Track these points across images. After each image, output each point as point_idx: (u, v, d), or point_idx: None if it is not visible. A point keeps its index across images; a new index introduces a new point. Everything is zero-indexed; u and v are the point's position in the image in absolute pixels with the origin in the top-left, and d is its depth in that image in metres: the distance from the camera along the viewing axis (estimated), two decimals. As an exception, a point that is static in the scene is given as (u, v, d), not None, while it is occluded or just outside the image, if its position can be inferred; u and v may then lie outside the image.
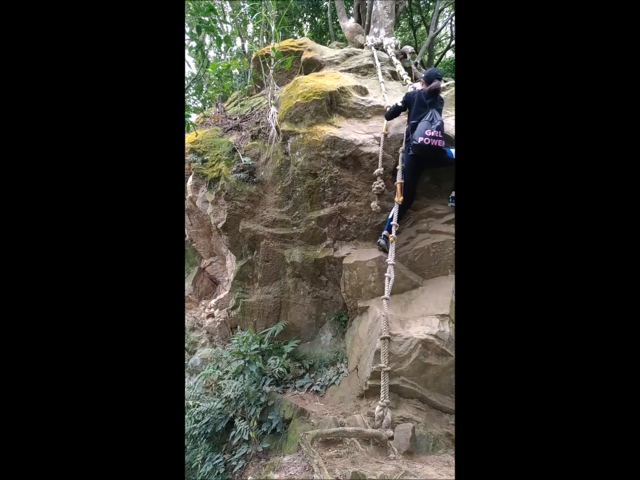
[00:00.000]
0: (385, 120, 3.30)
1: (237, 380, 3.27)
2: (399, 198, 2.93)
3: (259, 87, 4.91)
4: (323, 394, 2.91)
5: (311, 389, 2.99)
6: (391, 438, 2.12)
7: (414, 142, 2.81)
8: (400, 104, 3.11)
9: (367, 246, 3.23)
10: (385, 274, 2.70)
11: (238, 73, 5.09)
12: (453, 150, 2.90)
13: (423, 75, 3.29)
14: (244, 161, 3.68)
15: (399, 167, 3.06)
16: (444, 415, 2.37)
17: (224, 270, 4.50)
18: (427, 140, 2.73)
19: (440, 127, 2.76)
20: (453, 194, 3.06)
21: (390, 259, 2.73)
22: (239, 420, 2.98)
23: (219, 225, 3.75)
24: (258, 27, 4.83)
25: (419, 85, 3.23)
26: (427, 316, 2.52)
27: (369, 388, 2.51)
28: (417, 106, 2.95)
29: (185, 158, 4.03)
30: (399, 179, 2.99)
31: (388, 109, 3.28)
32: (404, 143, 3.12)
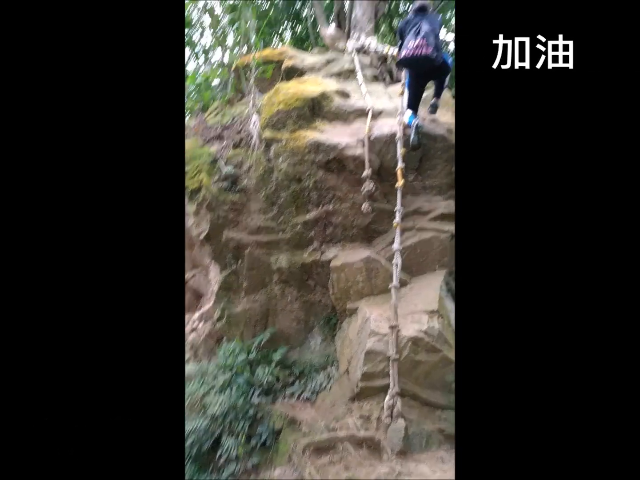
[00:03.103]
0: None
1: (224, 394, 3.15)
2: (400, 183, 2.93)
3: (240, 96, 4.92)
4: (314, 400, 2.82)
5: (302, 396, 2.90)
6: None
7: (399, 58, 2.93)
8: (399, 42, 3.16)
9: (354, 247, 3.20)
10: (393, 261, 2.66)
11: (218, 83, 5.10)
12: (451, 59, 3.05)
13: (411, 7, 3.43)
14: (226, 170, 3.65)
15: (398, 154, 3.04)
16: (436, 411, 2.32)
17: (208, 282, 4.40)
18: (409, 52, 2.79)
19: (426, 36, 2.78)
20: (433, 101, 3.21)
21: (397, 244, 2.71)
22: (227, 437, 2.85)
23: (202, 236, 3.69)
24: (238, 38, 4.87)
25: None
26: (416, 313, 2.49)
27: (361, 390, 2.44)
28: (409, 29, 2.97)
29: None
30: (400, 164, 2.99)
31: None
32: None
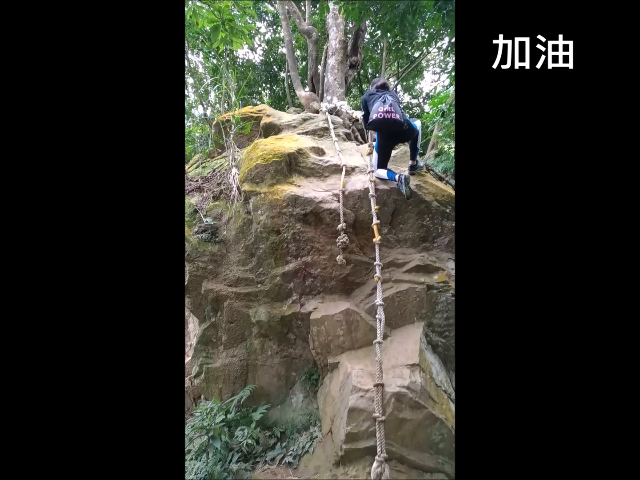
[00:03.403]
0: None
1: (200, 460, 2.95)
2: (377, 238, 3.03)
3: (219, 150, 5.09)
4: (296, 466, 2.67)
5: (283, 461, 2.74)
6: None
7: (370, 120, 3.17)
8: (363, 112, 3.59)
9: (333, 299, 3.22)
10: (377, 316, 2.63)
11: (199, 137, 5.27)
12: (417, 123, 3.33)
13: (371, 84, 3.82)
14: (206, 221, 3.69)
15: (372, 210, 3.17)
16: (425, 475, 2.23)
17: (186, 335, 4.25)
18: (380, 115, 3.08)
19: (392, 105, 3.12)
20: (411, 163, 3.55)
21: (379, 299, 2.69)
22: (203, 509, 2.64)
23: (181, 287, 3.61)
24: (219, 96, 5.12)
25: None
26: (398, 367, 2.49)
27: (345, 453, 2.35)
28: (372, 101, 3.35)
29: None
30: (375, 220, 3.10)
31: (362, 123, 3.90)
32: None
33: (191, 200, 4.13)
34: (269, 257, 3.40)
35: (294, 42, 8.20)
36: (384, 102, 3.15)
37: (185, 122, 5.87)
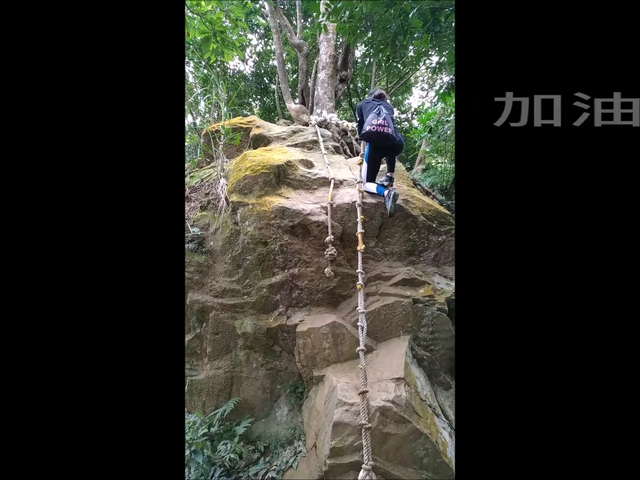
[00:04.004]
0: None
1: (182, 475, 2.89)
2: (360, 246, 3.05)
3: (208, 160, 5.09)
4: (280, 481, 2.63)
5: (267, 476, 2.70)
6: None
7: (363, 131, 3.23)
8: (358, 119, 3.66)
9: (320, 312, 3.22)
10: (358, 323, 2.65)
11: (188, 146, 5.26)
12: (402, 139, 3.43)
13: (368, 93, 3.92)
14: (193, 231, 3.67)
15: (358, 218, 3.22)
16: (408, 491, 2.23)
17: (170, 346, 4.18)
18: (373, 128, 3.13)
19: (386, 118, 3.18)
20: (390, 174, 3.61)
21: (361, 306, 2.73)
22: (184, 527, 2.57)
23: (166, 298, 3.56)
24: (209, 106, 5.14)
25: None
26: (383, 381, 2.49)
27: (329, 468, 2.32)
28: (367, 110, 3.43)
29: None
30: (360, 229, 3.14)
31: (357, 130, 3.93)
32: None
33: (178, 209, 4.10)
34: (255, 268, 3.39)
35: (284, 55, 8.33)
36: (379, 114, 3.23)
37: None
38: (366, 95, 4.10)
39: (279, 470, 2.71)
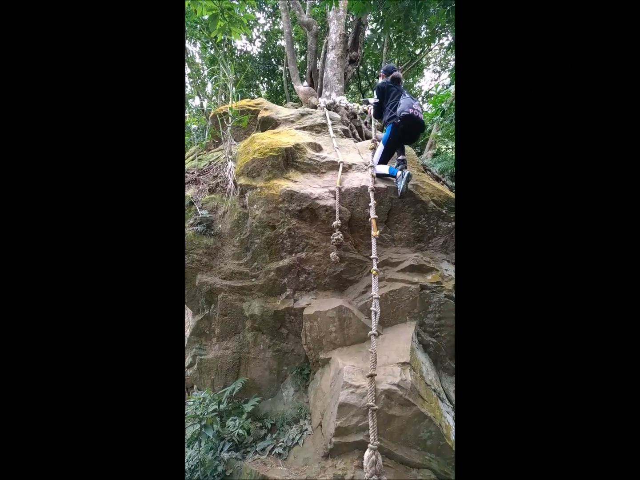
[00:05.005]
0: (374, 120, 4.18)
1: (192, 448, 3.00)
2: (374, 232, 3.04)
3: (216, 142, 5.06)
4: (286, 457, 2.72)
5: (273, 452, 2.80)
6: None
7: (403, 113, 3.20)
8: (377, 99, 3.63)
9: (327, 296, 3.25)
10: (372, 308, 2.66)
11: (196, 129, 5.22)
12: None
13: (382, 69, 3.88)
14: (201, 214, 3.68)
15: (370, 203, 3.19)
16: (412, 471, 2.30)
17: (179, 326, 4.27)
18: (415, 112, 3.18)
19: (419, 104, 3.23)
20: (402, 157, 3.60)
21: (375, 292, 2.72)
22: (194, 497, 2.69)
23: (175, 279, 3.61)
24: (217, 88, 5.07)
25: (380, 80, 3.82)
26: (389, 365, 2.53)
27: (334, 446, 2.40)
28: (390, 93, 3.45)
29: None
30: (373, 214, 3.12)
31: (371, 110, 3.93)
32: (387, 120, 3.52)
33: (187, 192, 4.11)
34: (263, 251, 3.42)
35: (293, 34, 8.12)
36: (413, 100, 3.26)
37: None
38: (381, 70, 4.00)
39: (285, 447, 2.80)
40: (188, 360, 3.67)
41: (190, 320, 3.80)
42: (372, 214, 3.14)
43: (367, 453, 2.06)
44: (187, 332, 3.78)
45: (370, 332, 2.58)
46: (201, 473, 2.76)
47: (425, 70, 12.00)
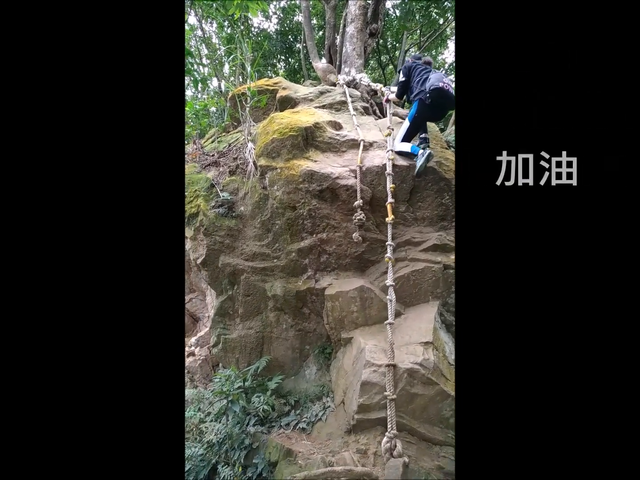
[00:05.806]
0: (394, 101, 4.09)
1: (220, 422, 3.13)
2: (390, 217, 3.00)
3: (235, 124, 5.04)
4: (310, 432, 2.81)
5: (297, 427, 2.89)
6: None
7: (433, 86, 3.09)
8: (403, 79, 3.55)
9: (348, 276, 3.25)
10: (387, 297, 2.66)
11: (215, 111, 5.21)
12: None
13: (412, 56, 3.86)
14: (223, 196, 3.71)
15: (388, 188, 3.13)
16: (434, 447, 2.32)
17: (204, 307, 4.39)
18: (446, 86, 3.07)
19: (451, 80, 3.17)
20: (425, 135, 3.46)
21: (390, 280, 2.72)
22: (222, 467, 2.82)
23: (199, 261, 3.70)
24: (234, 68, 5.01)
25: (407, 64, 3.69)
26: (411, 344, 2.53)
27: (357, 422, 2.44)
28: (418, 70, 3.39)
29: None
30: (390, 199, 3.07)
31: (395, 91, 3.85)
32: (414, 96, 3.37)
33: (208, 174, 4.14)
34: (284, 233, 3.42)
35: (310, 8, 7.86)
36: (444, 75, 3.16)
37: (201, 95, 5.81)
38: (409, 57, 3.87)
39: (309, 422, 2.88)
40: (213, 339, 3.79)
41: (214, 301, 3.90)
42: (389, 199, 3.07)
43: (384, 440, 2.10)
44: (212, 313, 3.88)
45: (386, 321, 2.58)
46: (229, 445, 2.89)
47: (449, 42, 11.40)
